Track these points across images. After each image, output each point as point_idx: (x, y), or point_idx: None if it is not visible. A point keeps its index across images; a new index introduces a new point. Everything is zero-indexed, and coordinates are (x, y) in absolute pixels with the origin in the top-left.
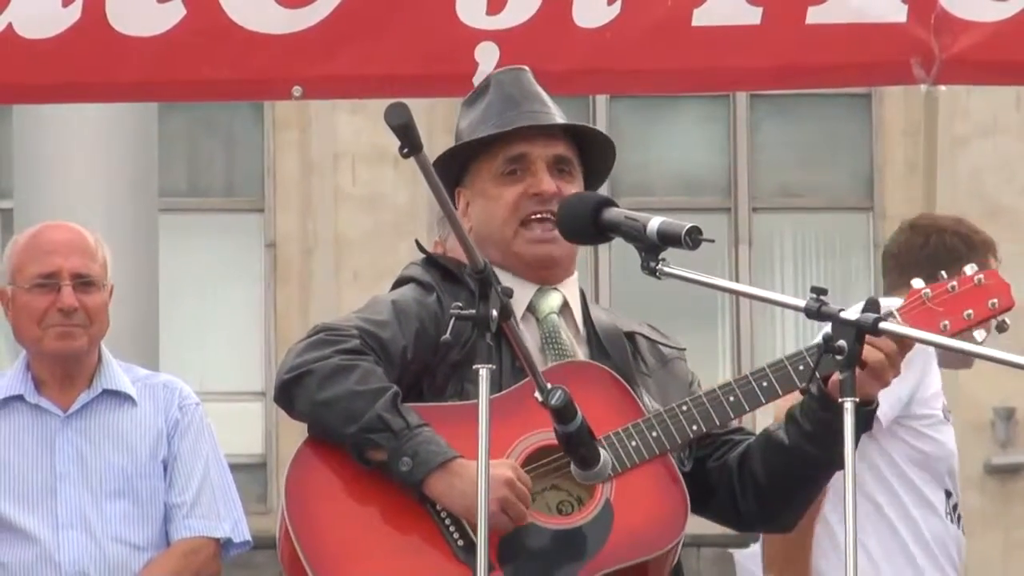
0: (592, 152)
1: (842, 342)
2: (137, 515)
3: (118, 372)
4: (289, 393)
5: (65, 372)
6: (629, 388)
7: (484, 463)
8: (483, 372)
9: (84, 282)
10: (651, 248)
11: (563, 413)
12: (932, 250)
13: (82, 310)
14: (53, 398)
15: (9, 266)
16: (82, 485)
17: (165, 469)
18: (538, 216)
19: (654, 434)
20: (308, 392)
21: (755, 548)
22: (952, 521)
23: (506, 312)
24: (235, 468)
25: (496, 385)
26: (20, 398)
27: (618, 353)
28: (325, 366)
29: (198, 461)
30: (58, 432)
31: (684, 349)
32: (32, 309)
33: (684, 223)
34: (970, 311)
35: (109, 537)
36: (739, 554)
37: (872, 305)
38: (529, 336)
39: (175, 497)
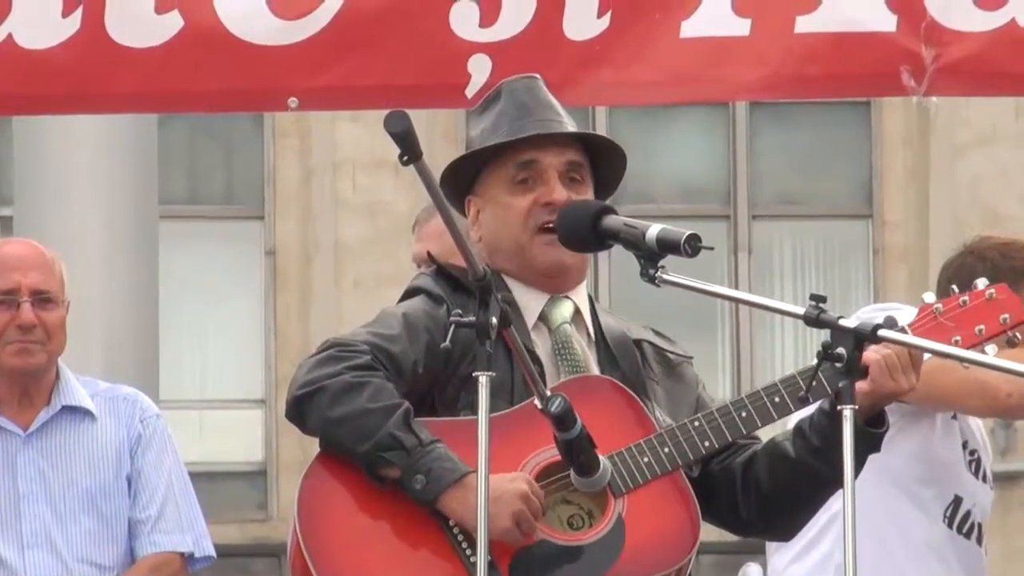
0: (602, 162)
1: (841, 349)
2: (102, 534)
3: (76, 388)
4: (301, 411)
5: (23, 390)
6: (640, 402)
7: (484, 467)
8: (482, 379)
9: (43, 298)
10: (650, 255)
11: (563, 420)
12: (954, 272)
13: (41, 327)
14: (12, 417)
15: None
16: (45, 505)
17: (129, 485)
18: (550, 226)
19: (666, 450)
20: (320, 410)
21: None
22: (951, 525)
23: (506, 319)
24: (235, 476)
25: (509, 397)
26: None
27: (628, 361)
28: (336, 383)
29: (161, 475)
30: (19, 452)
31: (691, 357)
32: None
33: (683, 230)
34: (982, 326)
35: (75, 558)
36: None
37: (890, 322)
38: (541, 345)
39: (139, 512)
